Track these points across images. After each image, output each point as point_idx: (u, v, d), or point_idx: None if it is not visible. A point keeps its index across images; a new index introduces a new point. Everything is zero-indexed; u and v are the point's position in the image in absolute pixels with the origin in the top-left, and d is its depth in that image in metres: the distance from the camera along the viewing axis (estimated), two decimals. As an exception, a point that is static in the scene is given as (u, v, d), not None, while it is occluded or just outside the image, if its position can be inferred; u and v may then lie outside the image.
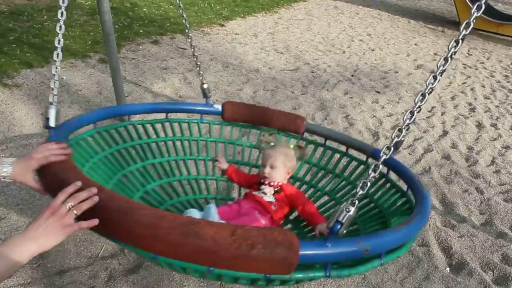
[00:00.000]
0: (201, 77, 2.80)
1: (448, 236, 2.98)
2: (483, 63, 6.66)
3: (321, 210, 2.30)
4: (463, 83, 5.79)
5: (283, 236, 1.23)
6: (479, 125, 4.60)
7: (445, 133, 4.40)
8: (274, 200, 2.19)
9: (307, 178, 2.56)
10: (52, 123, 1.90)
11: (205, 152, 2.67)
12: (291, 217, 2.32)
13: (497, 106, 5.09)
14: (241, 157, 2.70)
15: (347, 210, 1.29)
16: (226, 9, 8.39)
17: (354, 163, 2.44)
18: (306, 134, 2.65)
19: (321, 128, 2.70)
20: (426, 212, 1.69)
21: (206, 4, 8.51)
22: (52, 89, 1.94)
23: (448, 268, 2.74)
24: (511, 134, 4.46)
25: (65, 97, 4.37)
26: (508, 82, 5.90)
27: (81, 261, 2.57)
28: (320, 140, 2.60)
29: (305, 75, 5.83)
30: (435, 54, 7.09)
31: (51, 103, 1.92)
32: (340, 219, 1.29)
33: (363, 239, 1.34)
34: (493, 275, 2.72)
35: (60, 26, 1.87)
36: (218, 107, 2.64)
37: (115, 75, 3.82)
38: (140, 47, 5.86)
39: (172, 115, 2.68)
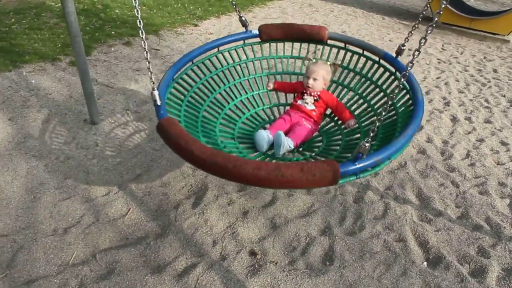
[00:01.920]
0: (237, 11, 3.25)
1: (424, 230, 2.97)
2: (456, 57, 6.72)
3: (348, 104, 3.15)
4: (437, 78, 5.82)
5: (331, 167, 1.84)
6: (454, 119, 4.63)
7: (420, 127, 4.40)
8: (314, 107, 2.98)
9: (335, 78, 3.26)
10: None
11: (254, 70, 3.47)
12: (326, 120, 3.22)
13: (471, 100, 5.13)
14: (281, 68, 3.49)
15: (364, 146, 1.87)
16: (199, 8, 8.30)
17: (369, 62, 3.15)
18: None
19: (341, 35, 3.25)
20: (419, 118, 2.29)
21: (179, 4, 8.41)
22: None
23: (425, 263, 2.73)
24: (485, 127, 4.50)
25: (34, 101, 4.24)
26: (481, 76, 5.96)
27: (51, 269, 2.49)
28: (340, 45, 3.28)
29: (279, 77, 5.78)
30: (409, 49, 7.11)
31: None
32: (360, 150, 1.89)
33: (374, 155, 1.95)
34: (469, 267, 2.72)
35: None
36: (255, 31, 3.24)
37: (84, 78, 3.71)
38: (112, 49, 5.74)
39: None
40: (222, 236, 2.81)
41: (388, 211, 3.14)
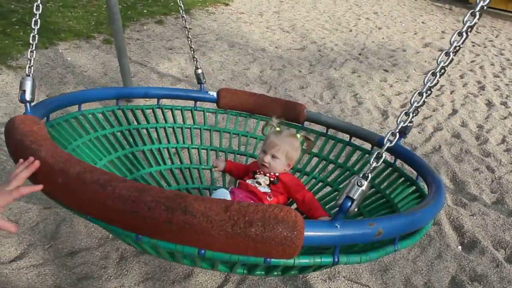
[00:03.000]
0: (195, 62, 2.66)
1: (459, 214, 2.96)
2: (492, 41, 6.56)
3: (322, 202, 2.15)
4: (472, 61, 5.71)
5: (286, 213, 1.05)
6: (489, 104, 4.55)
7: (454, 111, 4.35)
8: (269, 191, 2.04)
9: (308, 169, 2.43)
10: (28, 96, 1.77)
11: (198, 140, 2.57)
12: None
13: (506, 85, 5.02)
14: (237, 147, 2.58)
15: (359, 184, 1.12)
16: (230, -13, 8.26)
17: (359, 152, 2.33)
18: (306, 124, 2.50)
19: (322, 116, 2.57)
20: (442, 194, 1.57)
21: (209, -17, 8.37)
22: (29, 60, 1.80)
23: (460, 247, 2.73)
24: (521, 112, 4.41)
25: (70, 78, 4.33)
26: (517, 60, 5.82)
27: (92, 242, 2.57)
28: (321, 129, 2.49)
29: (312, 54, 5.76)
30: (443, 32, 6.98)
31: (28, 75, 1.78)
32: (351, 194, 1.11)
33: (376, 221, 1.20)
34: (505, 253, 2.71)
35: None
36: (213, 94, 2.52)
37: (121, 56, 3.77)
38: (145, 27, 5.79)
39: (165, 101, 2.57)
40: None
41: (422, 194, 3.14)
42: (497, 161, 3.58)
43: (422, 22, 7.26)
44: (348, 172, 2.28)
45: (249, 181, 2.09)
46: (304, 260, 1.16)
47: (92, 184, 1.13)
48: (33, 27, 1.79)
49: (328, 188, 2.29)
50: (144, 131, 2.40)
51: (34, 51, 1.83)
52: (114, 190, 1.10)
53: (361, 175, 1.15)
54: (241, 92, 2.65)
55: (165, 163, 2.37)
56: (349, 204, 1.12)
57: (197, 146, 2.51)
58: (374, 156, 1.17)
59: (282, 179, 2.07)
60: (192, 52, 2.70)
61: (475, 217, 2.96)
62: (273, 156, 2.07)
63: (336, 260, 1.19)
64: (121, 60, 3.80)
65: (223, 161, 2.39)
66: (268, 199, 2.02)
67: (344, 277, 2.46)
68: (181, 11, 2.61)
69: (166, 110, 2.51)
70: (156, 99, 2.49)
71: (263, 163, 2.08)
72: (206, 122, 2.58)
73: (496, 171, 3.45)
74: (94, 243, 2.56)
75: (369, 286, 2.40)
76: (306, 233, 1.07)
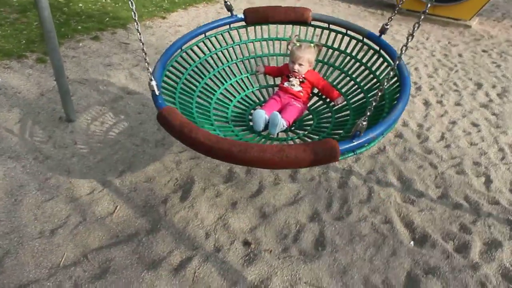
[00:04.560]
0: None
1: (409, 211, 3.06)
2: (423, 43, 6.89)
3: (335, 83, 3.19)
4: (407, 63, 5.96)
5: (331, 145, 1.93)
6: (426, 103, 4.76)
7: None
8: (301, 88, 3.04)
9: (320, 57, 3.32)
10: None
11: (241, 53, 3.38)
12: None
13: (440, 84, 5.28)
14: (267, 50, 3.43)
15: (361, 124, 1.96)
16: (166, 1, 8.16)
17: (354, 41, 3.21)
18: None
19: (325, 16, 3.28)
20: (406, 97, 2.34)
21: (145, -3, 8.23)
22: None
23: (412, 242, 2.81)
24: (456, 110, 4.65)
25: (3, 101, 4.08)
26: (447, 60, 6.13)
27: (41, 273, 2.43)
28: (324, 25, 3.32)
29: (266, 60, 5.77)
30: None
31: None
32: (358, 129, 1.97)
33: (371, 131, 2.03)
34: (453, 244, 2.82)
35: None
36: (241, 15, 3.25)
37: (59, 75, 3.59)
38: (80, 44, 5.58)
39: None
40: (214, 228, 2.80)
41: (372, 194, 3.22)
42: (438, 157, 3.74)
43: (357, 28, 7.50)
44: (348, 57, 3.25)
45: (286, 84, 3.07)
46: (341, 157, 2.01)
47: (217, 145, 1.94)
48: None
49: (337, 72, 3.33)
50: (220, 53, 3.32)
51: None
52: (251, 154, 1.91)
53: (362, 119, 1.96)
54: (259, 8, 3.30)
55: (230, 78, 3.28)
56: (358, 133, 1.99)
57: (241, 59, 3.35)
58: (385, 74, 2.25)
59: (307, 78, 3.06)
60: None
61: (423, 213, 3.07)
62: (300, 64, 3.02)
63: (355, 153, 2.06)
64: (59, 79, 3.62)
65: (263, 66, 3.34)
66: (301, 94, 3.04)
67: (305, 283, 2.46)
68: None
69: (218, 36, 3.29)
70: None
71: (293, 70, 3.04)
72: (241, 38, 3.39)
73: (438, 167, 3.61)
74: (44, 273, 2.42)
75: (331, 290, 2.42)
76: (340, 148, 1.96)
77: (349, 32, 3.24)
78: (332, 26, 3.31)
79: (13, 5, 6.61)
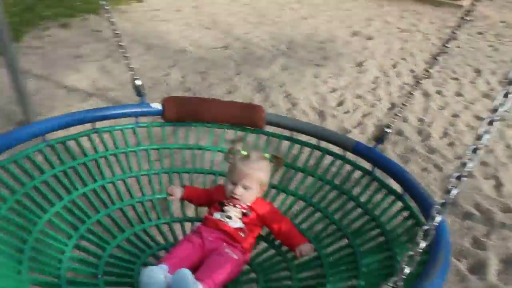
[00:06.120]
0: (132, 72, 2.17)
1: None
2: (416, 25, 6.56)
3: (297, 219, 1.96)
4: (401, 48, 5.62)
5: None
6: (426, 94, 4.45)
7: (393, 105, 4.18)
8: (243, 225, 1.82)
9: (275, 181, 2.09)
10: None
11: (147, 163, 2.11)
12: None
13: (439, 72, 4.97)
14: (192, 164, 2.16)
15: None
16: (143, -18, 7.65)
17: (330, 157, 2.08)
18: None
19: (286, 119, 2.27)
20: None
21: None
22: None
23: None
24: (457, 101, 4.34)
25: (-45, 102, 3.62)
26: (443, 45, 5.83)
27: None
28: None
29: (237, 52, 5.38)
30: (369, 19, 6.89)
31: None
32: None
33: None
34: (467, 263, 2.52)
35: None
36: (157, 105, 2.13)
37: (14, 73, 3.15)
38: (47, 33, 5.10)
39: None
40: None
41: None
42: (443, 158, 3.45)
43: (347, 10, 7.12)
44: (320, 181, 2.04)
45: (217, 216, 1.83)
46: None
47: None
48: None
49: (301, 203, 2.04)
50: (83, 167, 1.95)
51: None
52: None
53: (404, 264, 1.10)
54: (188, 99, 2.44)
55: (113, 203, 1.94)
56: None
57: (146, 172, 2.09)
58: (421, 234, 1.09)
59: (255, 209, 1.86)
60: (127, 60, 2.18)
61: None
62: (245, 187, 1.85)
63: None
64: (15, 78, 3.18)
65: (180, 187, 2.02)
66: (242, 235, 1.80)
67: None
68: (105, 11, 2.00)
69: (103, 134, 2.04)
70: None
71: (233, 196, 1.84)
72: (153, 140, 2.15)
73: (444, 168, 3.30)
74: None
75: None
76: None
77: (323, 144, 2.09)
78: (296, 135, 2.16)
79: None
